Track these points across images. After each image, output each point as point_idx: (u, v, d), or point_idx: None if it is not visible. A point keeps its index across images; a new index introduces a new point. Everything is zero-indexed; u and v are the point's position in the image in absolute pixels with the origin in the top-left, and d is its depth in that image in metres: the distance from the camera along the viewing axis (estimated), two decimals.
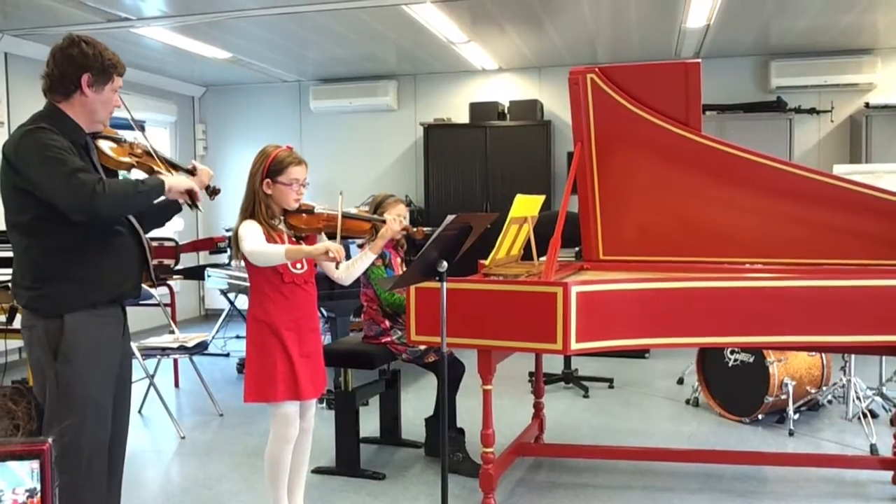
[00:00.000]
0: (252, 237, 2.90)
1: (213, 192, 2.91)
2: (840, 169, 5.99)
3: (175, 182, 2.59)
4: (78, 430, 2.40)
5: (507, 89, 8.54)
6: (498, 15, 6.30)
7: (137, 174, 2.76)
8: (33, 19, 6.06)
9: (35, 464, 1.31)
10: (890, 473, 3.77)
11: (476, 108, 8.24)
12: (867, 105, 7.43)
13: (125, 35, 6.46)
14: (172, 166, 2.81)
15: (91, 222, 2.39)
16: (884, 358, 4.84)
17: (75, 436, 2.39)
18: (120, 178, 2.71)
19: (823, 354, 4.82)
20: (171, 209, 2.84)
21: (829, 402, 5.00)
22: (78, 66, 2.43)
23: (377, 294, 4.10)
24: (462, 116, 8.42)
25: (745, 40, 7.32)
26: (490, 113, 8.19)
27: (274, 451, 3.04)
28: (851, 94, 7.72)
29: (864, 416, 4.41)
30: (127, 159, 2.64)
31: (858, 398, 4.64)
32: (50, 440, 1.32)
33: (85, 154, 2.50)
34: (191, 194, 2.64)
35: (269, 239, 2.93)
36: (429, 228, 3.30)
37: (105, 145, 2.60)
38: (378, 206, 4.08)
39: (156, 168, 2.69)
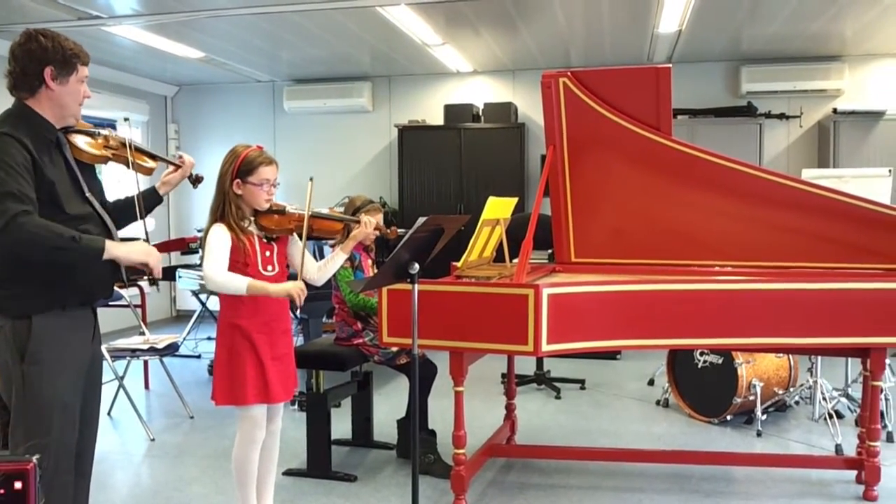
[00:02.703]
0: (213, 260, 2.86)
1: (196, 179, 2.90)
2: (808, 173, 6.07)
3: (126, 252, 2.47)
4: (44, 432, 2.38)
5: (481, 92, 8.56)
6: (472, 18, 6.32)
7: (115, 167, 2.73)
8: (1, 16, 5.98)
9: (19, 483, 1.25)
10: (854, 473, 3.84)
11: (450, 110, 8.26)
12: (835, 111, 7.55)
13: (96, 33, 6.40)
14: (152, 157, 2.78)
15: None
16: (849, 360, 4.93)
17: (42, 437, 2.37)
18: (97, 171, 2.68)
19: (791, 356, 4.89)
20: (154, 201, 2.82)
21: (797, 403, 5.07)
22: (38, 60, 2.39)
23: (344, 295, 4.10)
24: (436, 118, 8.43)
25: (716, 46, 7.41)
26: (464, 115, 8.21)
27: (241, 453, 3.02)
28: (820, 99, 7.85)
29: (830, 416, 4.48)
30: (102, 152, 2.60)
31: (825, 399, 4.71)
32: (35, 459, 1.27)
33: (57, 151, 2.46)
34: (149, 268, 2.51)
35: (239, 243, 2.91)
36: (402, 230, 3.30)
37: (79, 139, 2.56)
38: (356, 211, 4.06)
39: (134, 160, 2.66)
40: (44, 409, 2.39)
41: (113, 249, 2.42)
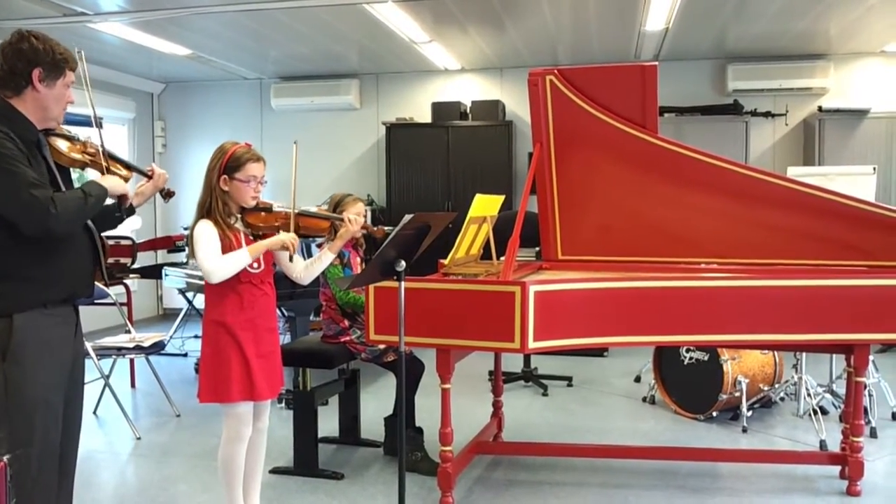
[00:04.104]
0: (208, 253, 2.86)
1: (167, 194, 2.88)
2: (794, 171, 6.11)
3: (112, 184, 2.58)
4: (27, 432, 2.36)
5: (469, 89, 8.56)
6: (460, 15, 6.32)
7: (92, 173, 2.72)
8: None
9: None
10: (838, 468, 3.87)
11: (438, 108, 8.26)
12: (820, 109, 7.59)
13: (82, 30, 6.35)
14: (126, 167, 2.77)
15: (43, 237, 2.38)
16: (833, 356, 4.95)
17: (25, 437, 2.35)
18: (73, 176, 2.67)
19: (776, 353, 4.93)
20: (128, 211, 2.81)
21: (782, 399, 5.10)
22: (28, 60, 2.39)
23: (334, 293, 4.09)
24: (424, 116, 8.42)
25: (702, 44, 7.43)
26: (452, 113, 8.21)
27: (227, 451, 3.01)
28: (805, 97, 7.89)
29: (815, 412, 4.51)
30: (80, 157, 2.60)
31: (809, 395, 4.74)
32: (4, 459, 1.26)
33: (37, 151, 2.45)
34: (121, 198, 2.64)
35: (225, 239, 2.91)
36: (388, 228, 3.30)
37: (59, 142, 2.56)
38: (337, 205, 4.07)
39: (110, 168, 2.66)
40: (26, 409, 2.37)
41: (106, 183, 2.54)
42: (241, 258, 2.89)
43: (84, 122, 2.76)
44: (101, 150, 2.65)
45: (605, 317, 3.32)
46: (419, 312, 3.22)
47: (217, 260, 2.87)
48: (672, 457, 4.10)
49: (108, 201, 2.64)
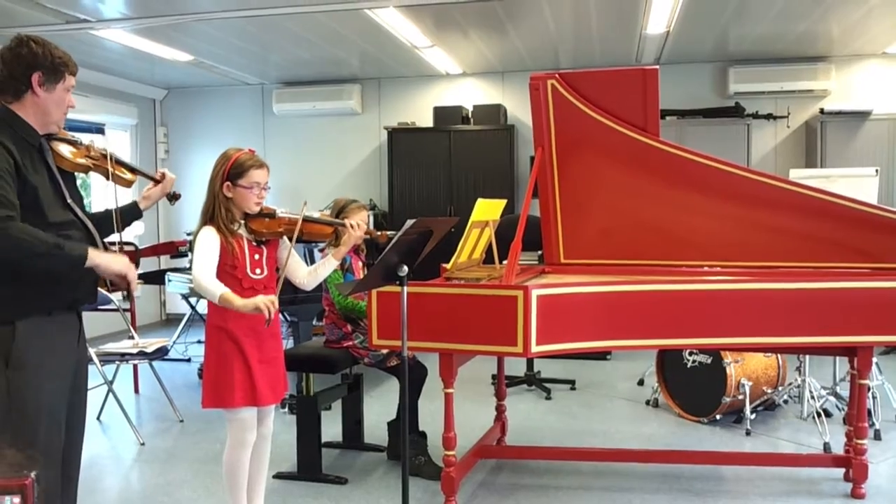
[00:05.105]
0: (199, 263, 2.87)
1: (173, 196, 2.92)
2: (796, 173, 6.11)
3: (107, 261, 2.44)
4: (30, 437, 2.36)
5: (470, 94, 8.57)
6: (461, 20, 6.33)
7: (96, 177, 2.73)
8: None
9: (16, 499, 1.26)
10: (842, 471, 3.86)
11: (440, 113, 8.27)
12: (822, 111, 7.59)
13: (84, 37, 6.38)
14: (131, 170, 2.78)
15: None
16: (837, 358, 4.95)
17: (27, 443, 2.35)
18: (78, 181, 2.67)
19: (779, 355, 4.92)
20: (134, 215, 2.82)
21: (785, 401, 5.10)
22: (27, 65, 2.38)
23: (333, 298, 4.10)
24: (426, 120, 8.43)
25: (704, 47, 7.44)
26: (454, 117, 8.22)
27: (231, 456, 3.02)
28: (807, 100, 7.89)
29: (819, 415, 4.50)
30: (84, 161, 2.60)
31: (813, 398, 4.74)
32: (32, 475, 1.27)
33: (39, 157, 2.46)
34: (127, 280, 2.48)
35: (228, 245, 2.92)
36: (391, 232, 3.30)
37: (62, 147, 2.56)
38: (340, 210, 4.07)
39: (115, 171, 2.66)
40: (29, 415, 2.37)
41: (95, 258, 2.40)
42: (213, 293, 2.82)
43: (87, 128, 2.77)
44: (106, 153, 2.65)
45: (608, 320, 3.33)
46: (422, 317, 3.23)
47: (204, 275, 2.85)
48: (676, 460, 4.09)
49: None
